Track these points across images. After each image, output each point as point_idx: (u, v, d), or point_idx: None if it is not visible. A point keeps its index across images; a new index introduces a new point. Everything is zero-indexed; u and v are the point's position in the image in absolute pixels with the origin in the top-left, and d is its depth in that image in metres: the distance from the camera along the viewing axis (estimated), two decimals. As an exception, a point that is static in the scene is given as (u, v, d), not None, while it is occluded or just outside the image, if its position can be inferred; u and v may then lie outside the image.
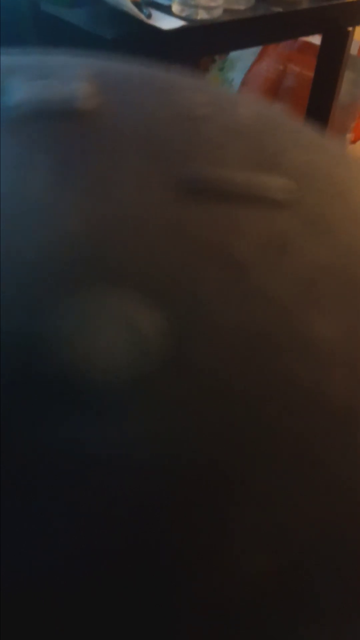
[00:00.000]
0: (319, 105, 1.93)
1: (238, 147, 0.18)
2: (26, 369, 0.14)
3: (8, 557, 0.13)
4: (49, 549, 0.13)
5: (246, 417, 0.15)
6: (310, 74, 1.97)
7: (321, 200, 0.18)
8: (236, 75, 2.31)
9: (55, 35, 1.34)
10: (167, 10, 1.40)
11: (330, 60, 1.85)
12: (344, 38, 1.80)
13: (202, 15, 1.39)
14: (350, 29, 1.79)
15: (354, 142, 2.35)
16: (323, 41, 1.86)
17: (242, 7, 1.48)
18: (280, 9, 1.53)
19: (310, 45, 2.11)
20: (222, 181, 0.17)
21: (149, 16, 1.35)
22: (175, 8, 1.39)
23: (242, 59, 2.29)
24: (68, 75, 0.19)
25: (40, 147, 0.16)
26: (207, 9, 1.39)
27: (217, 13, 1.41)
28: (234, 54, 2.30)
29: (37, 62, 0.20)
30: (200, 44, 1.46)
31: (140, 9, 1.33)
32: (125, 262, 0.15)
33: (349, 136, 2.31)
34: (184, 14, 1.38)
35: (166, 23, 1.35)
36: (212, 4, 1.39)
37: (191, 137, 0.18)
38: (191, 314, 0.15)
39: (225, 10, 1.43)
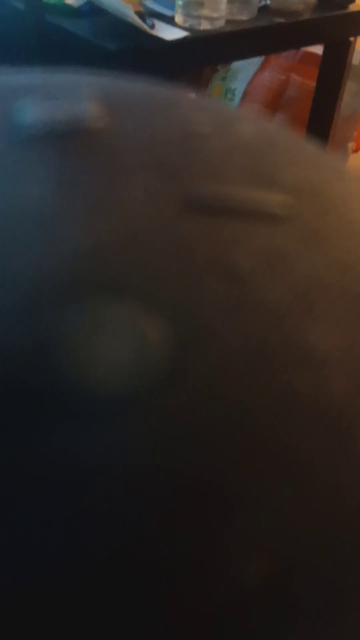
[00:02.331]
0: (321, 115, 1.93)
1: (238, 164, 0.19)
2: (29, 376, 0.14)
3: (6, 560, 0.13)
4: (44, 553, 0.13)
5: (242, 426, 0.15)
6: (312, 84, 1.98)
7: (317, 214, 0.19)
8: (238, 85, 2.31)
9: (60, 45, 1.35)
10: (170, 20, 1.40)
11: (332, 71, 1.85)
12: (346, 48, 1.80)
13: (204, 25, 1.39)
14: (352, 39, 1.79)
15: (355, 151, 2.35)
16: (325, 51, 1.86)
17: (244, 17, 1.48)
18: (282, 20, 1.53)
19: (312, 55, 2.12)
20: (222, 197, 0.17)
21: (152, 27, 1.35)
22: (178, 19, 1.39)
23: (245, 69, 2.29)
24: (76, 96, 0.19)
25: (50, 166, 0.17)
26: (210, 19, 1.39)
27: (219, 24, 1.41)
28: (236, 64, 2.30)
29: (46, 81, 0.20)
30: (203, 54, 1.46)
31: (143, 20, 1.34)
32: (129, 274, 0.15)
33: (351, 145, 2.31)
34: (186, 25, 1.38)
35: (169, 33, 1.35)
36: (215, 14, 1.39)
37: (193, 154, 0.18)
38: (192, 324, 0.15)
39: (228, 21, 1.43)
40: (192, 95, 0.22)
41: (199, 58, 1.48)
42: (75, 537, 0.14)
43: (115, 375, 0.14)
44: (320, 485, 0.16)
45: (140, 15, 1.35)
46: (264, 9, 1.55)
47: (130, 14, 1.31)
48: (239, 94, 2.31)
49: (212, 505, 0.14)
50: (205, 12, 1.38)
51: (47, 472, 0.14)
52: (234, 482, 0.15)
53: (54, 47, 1.34)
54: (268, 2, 1.57)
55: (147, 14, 1.39)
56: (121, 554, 0.14)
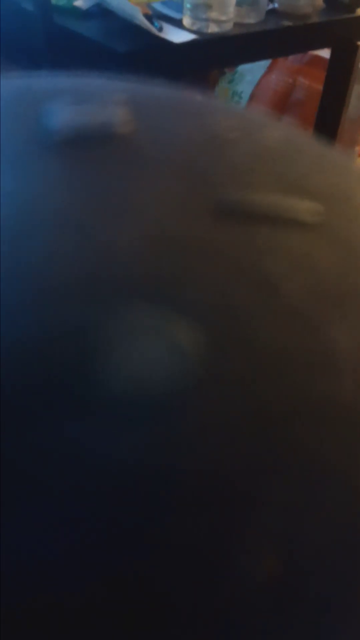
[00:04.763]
0: (328, 119, 1.93)
1: (266, 171, 0.19)
2: (61, 378, 0.14)
3: (9, 555, 0.13)
4: (60, 547, 0.14)
5: (272, 430, 0.15)
6: (319, 87, 1.98)
7: (345, 221, 0.19)
8: (245, 88, 2.31)
9: (68, 47, 1.35)
10: (178, 23, 1.40)
11: (339, 74, 1.85)
12: (353, 52, 1.81)
13: (212, 28, 1.39)
14: (359, 42, 1.80)
15: (362, 154, 2.35)
16: (332, 55, 1.87)
17: (252, 21, 1.49)
18: (290, 23, 1.54)
19: (319, 58, 2.12)
20: (252, 204, 0.17)
21: (160, 29, 1.36)
22: (186, 21, 1.40)
23: (252, 72, 2.29)
24: (104, 100, 0.19)
25: (82, 171, 0.17)
26: (218, 22, 1.39)
27: (227, 27, 1.41)
28: (243, 67, 2.31)
29: (74, 86, 0.20)
30: (211, 57, 1.47)
31: (151, 23, 1.34)
32: (164, 280, 0.16)
33: (358, 149, 2.31)
34: (195, 28, 1.39)
35: (177, 36, 1.35)
36: (223, 17, 1.39)
37: (222, 161, 0.18)
38: (224, 329, 0.15)
39: (236, 24, 1.44)
40: (199, 97, 0.22)
41: (207, 61, 1.49)
42: (95, 530, 0.14)
43: (147, 378, 0.14)
44: (338, 490, 0.16)
45: (149, 17, 1.35)
46: (271, 12, 1.55)
47: (138, 16, 1.31)
48: (245, 96, 2.31)
49: (233, 502, 0.15)
50: (213, 15, 1.38)
51: (75, 472, 0.14)
52: (257, 481, 0.15)
53: (63, 49, 1.35)
54: (276, 5, 1.58)
55: (155, 17, 1.39)
56: (141, 543, 0.14)
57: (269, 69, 2.29)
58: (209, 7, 1.37)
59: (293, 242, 0.17)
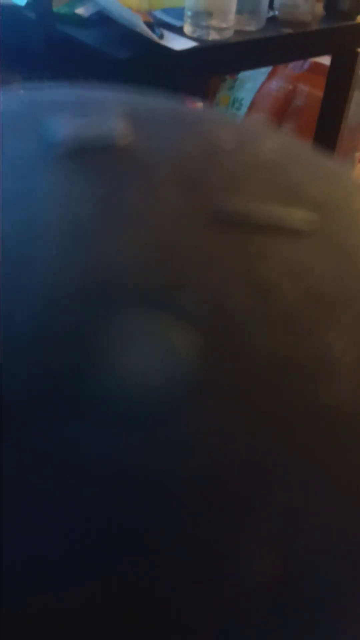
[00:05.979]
0: (328, 125, 1.93)
1: (262, 180, 0.19)
2: (62, 383, 0.15)
3: (9, 555, 0.14)
4: (60, 547, 0.14)
5: (267, 434, 0.15)
6: (319, 94, 1.98)
7: (339, 229, 0.19)
8: (246, 95, 2.31)
9: (69, 55, 1.35)
10: (179, 31, 1.41)
11: (340, 81, 1.85)
12: (353, 59, 1.81)
13: (213, 36, 1.40)
14: (359, 50, 1.80)
15: (362, 161, 2.35)
16: (332, 62, 1.87)
17: (252, 28, 1.49)
18: (290, 30, 1.54)
19: (319, 65, 2.12)
20: (247, 212, 0.18)
21: (161, 37, 1.36)
22: (187, 29, 1.40)
23: (252, 79, 2.29)
24: (105, 113, 0.20)
25: (84, 182, 0.17)
26: (219, 29, 1.40)
27: (228, 34, 1.41)
28: (243, 74, 2.30)
29: (75, 98, 0.21)
30: (211, 64, 1.47)
31: (152, 30, 1.34)
32: (161, 286, 0.16)
33: (358, 155, 2.31)
34: (195, 35, 1.39)
35: (178, 43, 1.36)
36: (224, 25, 1.40)
37: (218, 170, 0.19)
38: (220, 335, 0.16)
39: (236, 31, 1.44)
40: (200, 104, 0.22)
41: (208, 68, 1.49)
42: (95, 532, 0.14)
43: (145, 382, 0.15)
44: (336, 492, 0.16)
45: (150, 25, 1.36)
46: (272, 20, 1.55)
47: (139, 24, 1.32)
48: (246, 103, 2.31)
49: (231, 504, 0.15)
50: (213, 22, 1.38)
51: (74, 473, 0.14)
52: (255, 484, 0.15)
53: (64, 56, 1.35)
54: (276, 12, 1.58)
55: (156, 24, 1.40)
56: (141, 544, 0.14)
57: (270, 76, 2.29)
58: (209, 14, 1.37)
59: (288, 250, 0.18)
